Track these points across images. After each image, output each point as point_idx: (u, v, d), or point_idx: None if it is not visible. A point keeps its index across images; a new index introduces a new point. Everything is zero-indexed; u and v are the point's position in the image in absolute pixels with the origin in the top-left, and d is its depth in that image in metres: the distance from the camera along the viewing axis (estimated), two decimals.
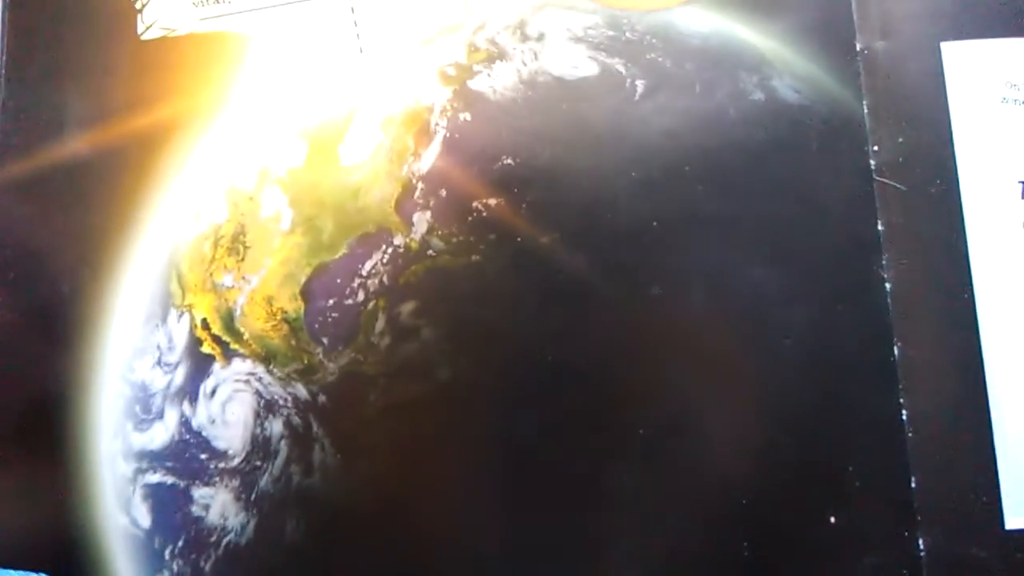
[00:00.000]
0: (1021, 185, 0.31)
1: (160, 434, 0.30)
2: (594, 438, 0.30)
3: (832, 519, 0.30)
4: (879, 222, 0.31)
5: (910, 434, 0.30)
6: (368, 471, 0.30)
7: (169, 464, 0.30)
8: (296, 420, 0.30)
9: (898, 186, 0.31)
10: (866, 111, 0.32)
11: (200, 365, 0.30)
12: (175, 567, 0.30)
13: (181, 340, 0.31)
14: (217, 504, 0.30)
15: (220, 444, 0.30)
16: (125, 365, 0.30)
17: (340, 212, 0.31)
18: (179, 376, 0.30)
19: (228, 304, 0.31)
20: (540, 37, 0.32)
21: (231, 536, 0.30)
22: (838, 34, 0.32)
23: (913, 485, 0.30)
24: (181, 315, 0.31)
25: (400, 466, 0.30)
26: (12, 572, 0.29)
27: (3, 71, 0.32)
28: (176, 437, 0.30)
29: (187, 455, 0.30)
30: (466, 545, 0.30)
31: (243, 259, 0.31)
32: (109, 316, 0.30)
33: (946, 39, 0.32)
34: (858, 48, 0.32)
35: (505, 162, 0.31)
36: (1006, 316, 0.31)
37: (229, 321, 0.30)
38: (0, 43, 0.32)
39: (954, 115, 0.32)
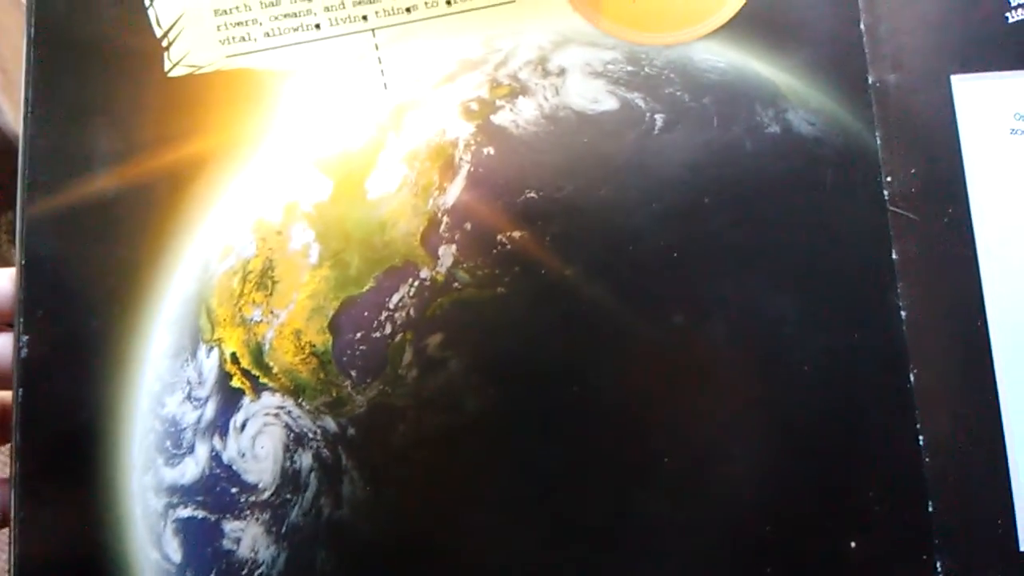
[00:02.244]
0: None
1: (191, 468, 0.31)
2: (620, 468, 0.31)
3: (853, 544, 0.30)
4: (894, 251, 0.32)
5: (927, 459, 0.31)
6: (397, 503, 0.30)
7: (200, 498, 0.30)
8: (325, 453, 0.30)
9: (911, 216, 0.32)
10: (879, 143, 0.32)
11: (230, 399, 0.31)
12: None
13: (211, 375, 0.31)
14: (248, 538, 0.30)
15: (250, 478, 0.30)
16: (155, 400, 0.31)
17: (367, 246, 0.31)
18: (209, 410, 0.31)
19: (257, 338, 0.31)
20: (561, 72, 0.33)
21: (262, 569, 0.30)
22: (850, 67, 0.33)
23: (931, 509, 0.31)
24: (211, 350, 0.31)
25: (429, 497, 0.30)
26: None
27: (30, 108, 0.32)
28: (207, 471, 0.30)
29: (218, 489, 0.30)
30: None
31: (271, 293, 0.31)
32: (139, 351, 0.31)
33: (956, 72, 0.33)
34: (870, 81, 0.33)
35: (529, 195, 0.32)
36: (1019, 342, 0.32)
37: (258, 355, 0.31)
38: (26, 80, 0.32)
39: (964, 146, 0.32)
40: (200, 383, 0.31)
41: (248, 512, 0.30)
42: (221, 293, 0.31)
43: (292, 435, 0.30)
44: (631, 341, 0.31)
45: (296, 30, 0.32)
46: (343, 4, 0.32)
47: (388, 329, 0.31)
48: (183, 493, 0.30)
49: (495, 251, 0.31)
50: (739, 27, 0.33)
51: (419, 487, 0.30)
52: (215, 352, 0.31)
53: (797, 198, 0.32)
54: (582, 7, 0.33)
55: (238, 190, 0.32)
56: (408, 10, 0.33)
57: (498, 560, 0.30)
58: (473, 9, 0.33)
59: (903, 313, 0.31)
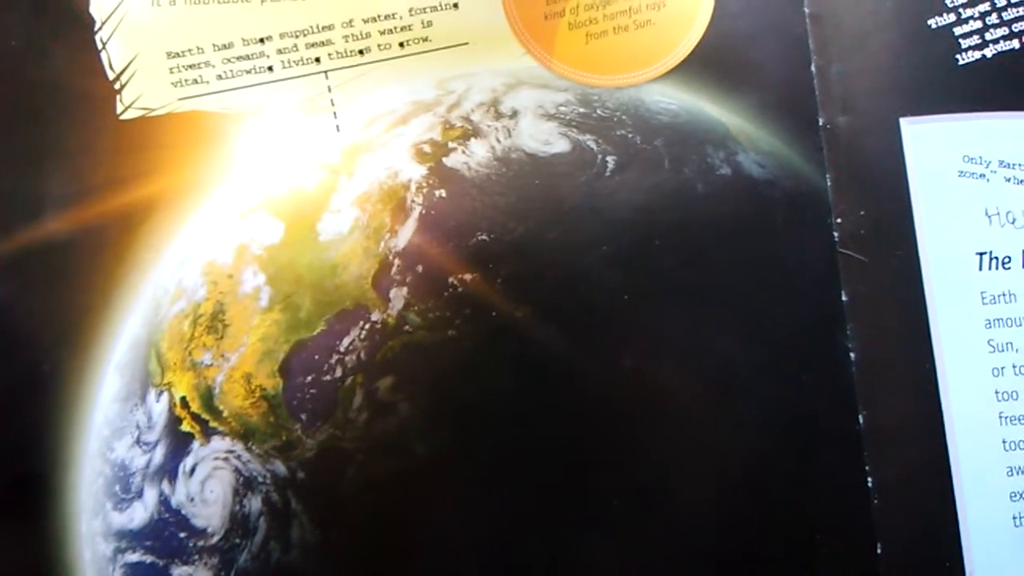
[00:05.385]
0: (978, 256, 0.32)
1: (139, 513, 0.31)
2: (568, 510, 0.31)
3: None
4: (843, 293, 0.32)
5: (875, 501, 0.31)
6: (347, 547, 0.30)
7: (148, 543, 0.30)
8: (275, 497, 0.30)
9: (860, 257, 0.33)
10: (829, 184, 0.33)
11: (179, 443, 0.31)
12: None
13: (160, 419, 0.31)
14: None
15: (199, 522, 0.30)
16: (104, 444, 0.31)
17: (318, 289, 0.31)
18: (158, 455, 0.31)
19: (207, 382, 0.31)
20: (513, 114, 0.33)
21: None
22: (801, 110, 0.33)
23: (879, 551, 0.31)
24: (160, 394, 0.31)
25: (378, 541, 0.30)
26: None
27: None
28: (155, 516, 0.30)
29: (166, 534, 0.30)
30: None
31: (222, 337, 0.31)
32: (89, 395, 0.31)
33: (905, 115, 0.33)
34: (820, 123, 0.33)
35: (480, 238, 0.32)
36: (967, 383, 0.32)
37: (208, 399, 0.31)
38: None
39: (913, 188, 0.33)
40: (149, 427, 0.31)
41: (197, 557, 0.30)
42: (171, 336, 0.31)
43: (242, 479, 0.30)
44: (581, 383, 0.31)
45: (249, 72, 0.33)
46: (296, 46, 0.33)
47: (339, 372, 0.31)
48: (132, 538, 0.30)
49: (446, 293, 0.31)
50: (690, 69, 0.33)
51: (368, 531, 0.30)
52: (165, 396, 0.31)
53: (747, 240, 0.32)
54: (534, 49, 0.33)
55: (190, 233, 0.32)
56: (361, 52, 0.33)
57: None
58: (426, 51, 0.33)
59: (852, 355, 0.32)
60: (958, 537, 0.31)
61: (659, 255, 0.32)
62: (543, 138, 0.33)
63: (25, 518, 0.30)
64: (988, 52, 0.33)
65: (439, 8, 0.33)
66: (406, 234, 0.32)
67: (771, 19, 0.33)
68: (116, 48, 0.32)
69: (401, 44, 0.33)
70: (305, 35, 0.32)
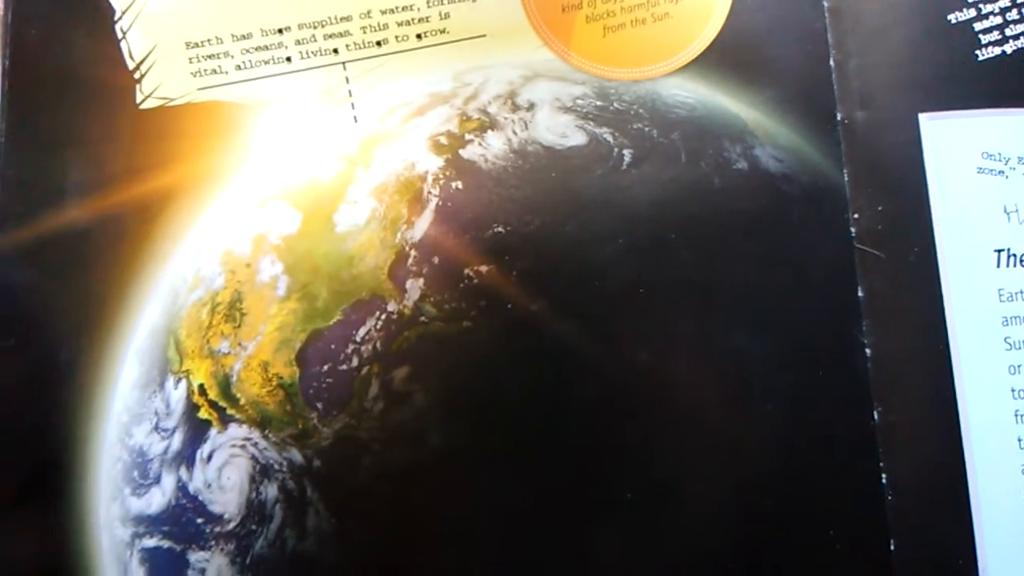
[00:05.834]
0: (996, 253, 0.32)
1: (157, 499, 0.31)
2: (582, 502, 0.31)
3: None
4: (859, 288, 0.32)
5: (889, 498, 0.31)
6: (362, 535, 0.30)
7: (166, 529, 0.31)
8: (291, 484, 0.31)
9: (877, 253, 0.32)
10: (846, 180, 0.33)
11: (197, 430, 0.31)
12: None
13: (178, 406, 0.31)
14: (213, 568, 0.30)
15: (216, 509, 0.31)
16: (123, 431, 0.31)
17: (335, 279, 0.32)
18: (176, 441, 0.31)
19: (225, 370, 0.31)
20: (530, 107, 0.33)
21: None
22: (819, 105, 0.33)
23: (892, 548, 0.31)
24: (179, 381, 0.31)
25: (393, 530, 0.31)
26: None
27: (3, 139, 0.32)
28: (173, 502, 0.31)
29: (184, 519, 0.31)
30: None
31: (240, 325, 0.31)
32: (107, 382, 0.31)
33: (923, 110, 0.33)
34: (838, 118, 0.33)
35: (496, 230, 0.32)
36: (983, 381, 0.32)
37: (226, 387, 0.31)
38: (0, 110, 0.33)
39: (931, 184, 0.33)
40: (168, 414, 0.31)
41: (213, 543, 0.30)
42: (190, 325, 0.32)
43: (258, 466, 0.31)
44: (596, 377, 0.31)
45: (267, 63, 0.33)
46: (314, 37, 0.33)
47: (355, 362, 0.31)
48: (149, 523, 0.31)
49: (462, 285, 0.32)
50: (708, 63, 0.33)
51: (383, 520, 0.31)
52: (183, 383, 0.31)
53: (763, 235, 0.32)
54: (552, 42, 0.33)
55: (208, 222, 0.32)
56: (379, 43, 0.33)
57: None
58: (444, 43, 0.33)
59: (868, 351, 0.32)
60: (972, 534, 0.31)
61: (675, 249, 0.32)
62: (560, 131, 0.33)
63: (44, 504, 0.30)
64: (1008, 48, 0.33)
65: (457, 0, 0.33)
66: (422, 225, 0.32)
67: (789, 13, 0.33)
68: (136, 38, 0.33)
69: (419, 36, 0.33)
70: (323, 26, 0.33)
